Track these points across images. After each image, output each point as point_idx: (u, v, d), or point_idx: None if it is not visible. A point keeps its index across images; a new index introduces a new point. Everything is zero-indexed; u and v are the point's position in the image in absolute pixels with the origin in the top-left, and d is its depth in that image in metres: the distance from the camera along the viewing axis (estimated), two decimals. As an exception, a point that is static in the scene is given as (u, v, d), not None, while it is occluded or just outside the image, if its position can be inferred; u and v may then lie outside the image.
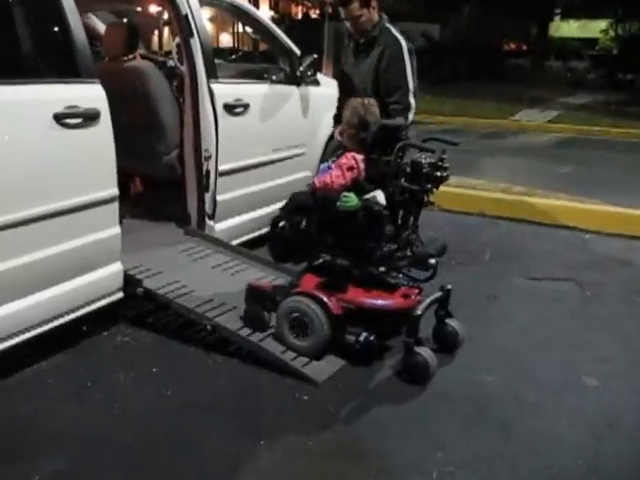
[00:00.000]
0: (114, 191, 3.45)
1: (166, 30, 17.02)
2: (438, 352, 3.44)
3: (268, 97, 4.79)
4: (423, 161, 3.28)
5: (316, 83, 5.23)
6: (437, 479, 2.63)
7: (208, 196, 4.38)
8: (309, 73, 5.09)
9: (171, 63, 4.90)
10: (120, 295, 3.66)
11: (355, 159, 3.41)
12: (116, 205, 3.49)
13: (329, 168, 3.52)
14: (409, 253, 3.42)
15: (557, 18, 37.81)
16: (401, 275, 3.50)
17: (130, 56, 4.56)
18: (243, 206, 4.62)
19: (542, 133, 13.47)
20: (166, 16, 6.96)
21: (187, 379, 3.30)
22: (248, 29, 6.55)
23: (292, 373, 3.27)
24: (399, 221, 3.43)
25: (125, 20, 6.11)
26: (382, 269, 3.39)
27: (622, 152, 11.15)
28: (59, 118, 3.10)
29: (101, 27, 5.22)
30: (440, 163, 3.30)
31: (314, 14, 28.07)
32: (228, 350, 3.50)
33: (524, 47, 38.54)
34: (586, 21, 37.52)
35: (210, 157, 4.27)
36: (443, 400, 3.17)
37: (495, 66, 28.11)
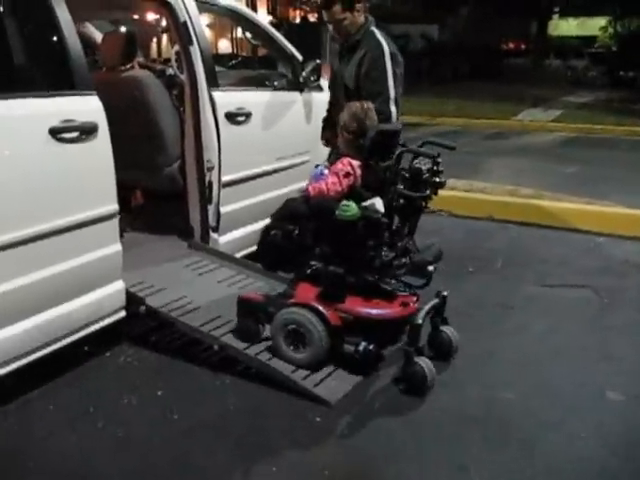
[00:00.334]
0: (114, 207, 3.32)
1: (165, 37, 16.92)
2: (434, 359, 3.32)
3: (271, 104, 4.68)
4: (423, 167, 3.21)
5: (319, 89, 5.11)
6: (460, 506, 2.51)
7: (211, 208, 4.25)
8: (312, 78, 4.97)
9: (170, 72, 4.78)
10: (122, 314, 3.53)
11: (352, 165, 3.32)
12: (116, 221, 3.37)
13: (322, 174, 3.42)
14: (407, 260, 3.33)
15: (556, 16, 37.73)
16: (394, 282, 3.41)
17: (128, 65, 4.46)
18: (248, 217, 4.50)
19: (545, 133, 13.37)
20: (164, 23, 6.85)
21: (193, 401, 3.16)
22: (248, 35, 6.43)
23: (304, 394, 3.14)
24: (397, 229, 3.34)
25: (122, 28, 6.00)
26: (377, 276, 3.31)
27: (627, 151, 11.04)
28: (55, 133, 2.97)
29: (98, 36, 5.11)
30: (435, 168, 3.21)
31: (312, 18, 27.98)
32: (236, 369, 3.37)
33: (523, 46, 38.52)
34: (585, 19, 37.50)
35: (212, 168, 4.15)
36: (462, 419, 3.04)
37: (494, 66, 28.08)
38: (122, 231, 3.49)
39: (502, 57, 31.80)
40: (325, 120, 4.56)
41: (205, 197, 4.23)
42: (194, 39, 4.07)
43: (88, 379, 3.34)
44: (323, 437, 2.90)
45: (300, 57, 5.01)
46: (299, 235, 3.36)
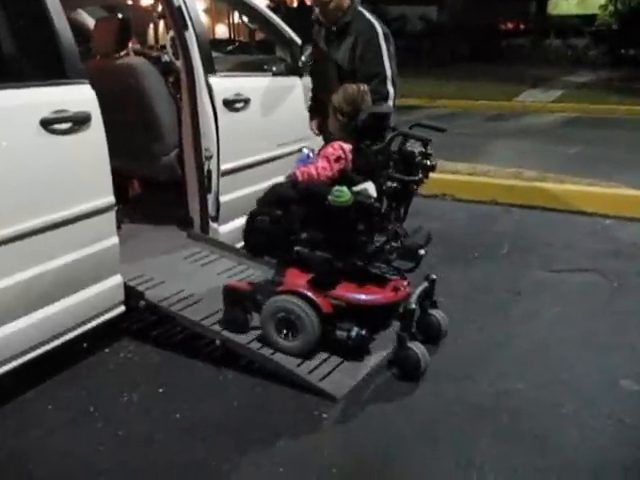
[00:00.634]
0: (110, 199, 3.22)
1: (162, 23, 16.76)
2: (423, 343, 3.26)
3: (270, 90, 4.57)
4: (415, 150, 3.16)
5: (318, 73, 4.99)
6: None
7: (211, 197, 4.15)
8: (311, 63, 4.85)
9: (166, 58, 4.66)
10: (121, 309, 3.44)
11: (343, 149, 3.24)
12: (113, 214, 3.26)
13: (308, 158, 3.34)
14: (398, 245, 3.27)
15: (555, -5, 37.36)
16: (384, 266, 3.35)
17: (122, 52, 4.34)
18: (248, 206, 4.37)
19: (547, 113, 13.20)
20: (160, 8, 6.73)
21: (196, 397, 3.08)
22: (245, 19, 6.30)
23: (309, 388, 3.06)
24: (387, 212, 3.27)
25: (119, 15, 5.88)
26: (367, 261, 3.25)
27: (629, 130, 10.87)
28: (46, 124, 2.86)
29: (90, 23, 4.97)
30: (425, 150, 3.17)
31: (310, 1, 27.76)
32: (239, 364, 3.28)
33: (522, 26, 38.18)
34: (585, -3, 37.12)
35: (211, 156, 4.05)
36: (473, 412, 2.95)
37: (493, 47, 27.83)
38: (119, 223, 3.41)
39: (502, 38, 31.50)
40: (311, 108, 4.48)
41: (204, 186, 4.13)
42: (189, 24, 3.96)
43: (87, 377, 3.26)
44: (329, 433, 2.83)
45: (299, 41, 4.89)
46: (286, 220, 3.28)
